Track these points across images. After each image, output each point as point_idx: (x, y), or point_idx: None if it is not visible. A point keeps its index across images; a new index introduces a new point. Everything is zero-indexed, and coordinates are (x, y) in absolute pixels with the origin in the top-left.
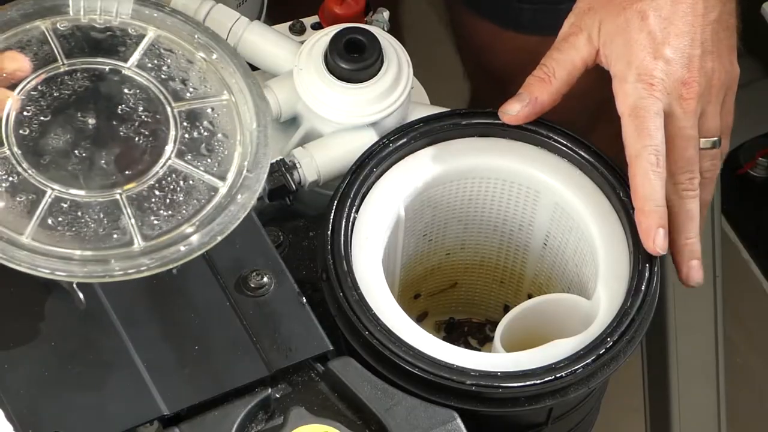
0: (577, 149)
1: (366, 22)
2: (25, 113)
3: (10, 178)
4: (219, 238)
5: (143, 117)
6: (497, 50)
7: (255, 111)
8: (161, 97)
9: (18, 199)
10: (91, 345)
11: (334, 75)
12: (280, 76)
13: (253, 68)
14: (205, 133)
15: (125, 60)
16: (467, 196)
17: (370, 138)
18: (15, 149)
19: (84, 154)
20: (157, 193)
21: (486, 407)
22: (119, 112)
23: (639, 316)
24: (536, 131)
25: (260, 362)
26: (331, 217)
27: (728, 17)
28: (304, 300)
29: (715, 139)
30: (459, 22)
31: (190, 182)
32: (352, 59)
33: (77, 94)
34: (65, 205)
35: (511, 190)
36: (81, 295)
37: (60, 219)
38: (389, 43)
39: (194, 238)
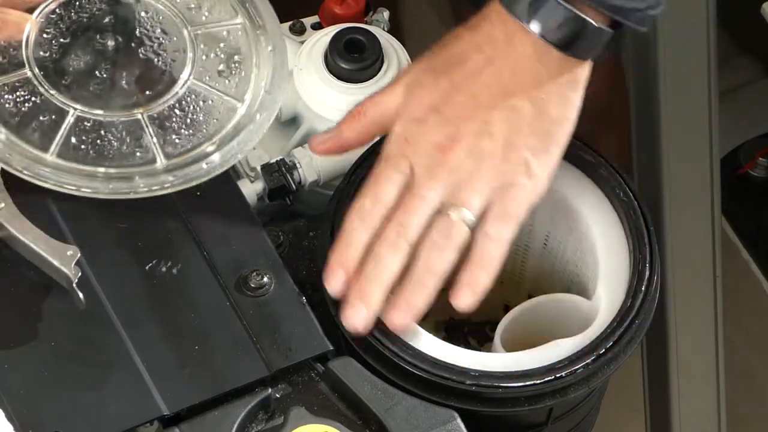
0: (577, 150)
1: (366, 22)
2: (44, 35)
3: (33, 99)
4: (239, 156)
5: (161, 39)
6: None
7: (271, 33)
8: (177, 20)
9: (41, 118)
10: (91, 345)
11: (334, 75)
12: None
13: None
14: (222, 55)
15: None
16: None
17: None
18: (36, 70)
19: (104, 75)
20: (177, 112)
21: (486, 407)
22: (137, 34)
23: (639, 316)
24: None
25: (260, 362)
26: (331, 217)
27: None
28: (304, 300)
29: (464, 211)
30: (461, 12)
31: (210, 102)
32: (352, 59)
33: (95, 17)
34: (88, 125)
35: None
36: (81, 295)
37: (83, 138)
38: (389, 43)
39: (215, 157)
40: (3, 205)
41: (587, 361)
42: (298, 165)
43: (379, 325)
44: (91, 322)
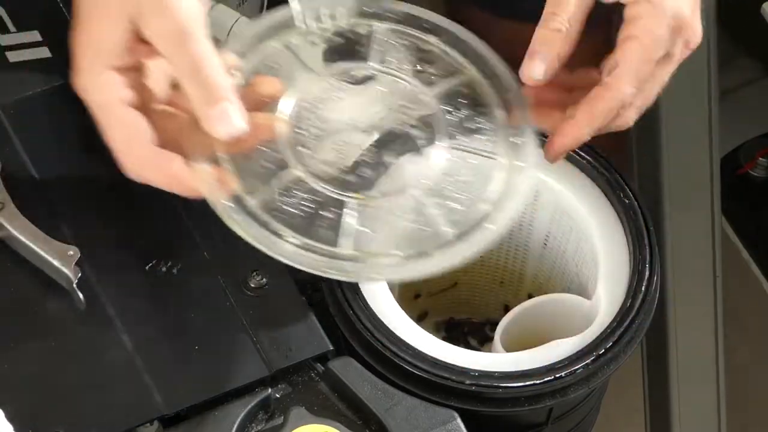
0: (577, 149)
1: None
2: (301, 131)
3: (311, 197)
4: (518, 209)
5: (409, 111)
6: (495, 40)
7: (503, 77)
8: (415, 89)
9: (324, 214)
10: (91, 345)
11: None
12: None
13: None
14: (465, 112)
15: (367, 59)
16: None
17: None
18: (302, 168)
19: (370, 158)
20: (447, 179)
21: (486, 407)
22: (388, 110)
23: (639, 316)
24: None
25: (260, 362)
26: None
27: None
28: (304, 300)
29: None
30: (458, 13)
31: (472, 161)
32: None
33: (342, 101)
34: (372, 210)
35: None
36: (81, 296)
37: (371, 224)
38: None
39: (498, 216)
40: (3, 205)
41: (587, 361)
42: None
43: (379, 324)
44: (91, 322)
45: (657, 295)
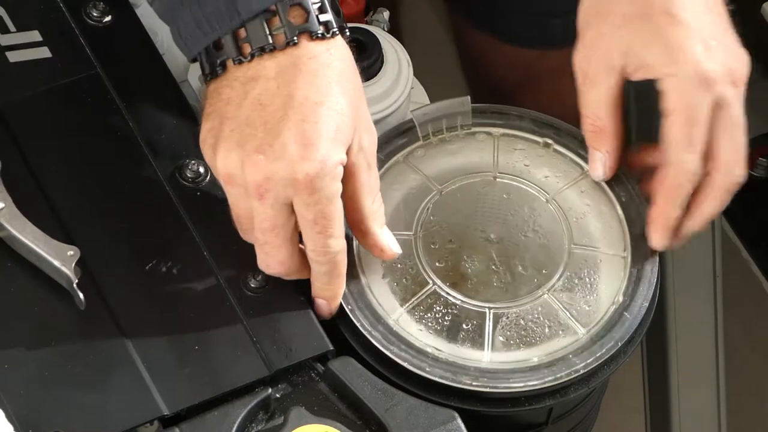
0: (577, 149)
1: (366, 22)
2: (432, 246)
3: (449, 310)
4: (646, 303)
5: (532, 215)
6: (495, 64)
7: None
8: (536, 192)
9: (464, 327)
10: (91, 345)
11: None
12: None
13: None
14: (590, 212)
15: (491, 167)
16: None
17: None
18: (439, 282)
19: (500, 267)
20: (576, 281)
21: (486, 407)
22: (510, 216)
23: (639, 316)
24: (538, 131)
25: (260, 362)
26: None
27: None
28: (304, 300)
29: None
30: (460, 35)
31: (598, 261)
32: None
33: (462, 212)
34: (508, 320)
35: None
36: (81, 296)
37: (509, 333)
38: (389, 43)
39: (627, 313)
40: (3, 205)
41: (587, 361)
42: None
43: (380, 324)
44: (91, 322)
45: (657, 295)
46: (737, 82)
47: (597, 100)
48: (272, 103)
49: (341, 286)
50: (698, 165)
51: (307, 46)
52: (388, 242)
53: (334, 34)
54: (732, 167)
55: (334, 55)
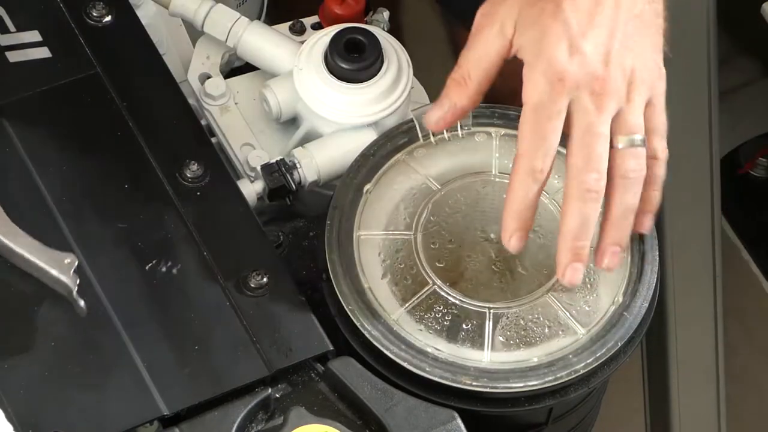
0: None
1: (366, 22)
2: (432, 246)
3: (449, 310)
4: (645, 304)
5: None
6: None
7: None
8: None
9: (464, 327)
10: (91, 345)
11: (334, 75)
12: (280, 76)
13: (253, 68)
14: None
15: (491, 167)
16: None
17: (370, 138)
18: (439, 282)
19: (500, 267)
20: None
21: (486, 407)
22: None
23: (639, 316)
24: None
25: (260, 362)
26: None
27: (654, 16)
28: (304, 300)
29: (636, 136)
30: (455, 35)
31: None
32: (352, 59)
33: (462, 212)
34: (508, 320)
35: None
36: (82, 303)
37: (509, 333)
38: (389, 43)
39: (627, 313)
40: None
41: (587, 361)
42: (298, 165)
43: (380, 324)
44: (91, 323)
45: (657, 295)
46: (601, 92)
47: (477, 59)
48: None
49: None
50: (542, 161)
51: None
52: None
53: None
54: (577, 173)
55: None
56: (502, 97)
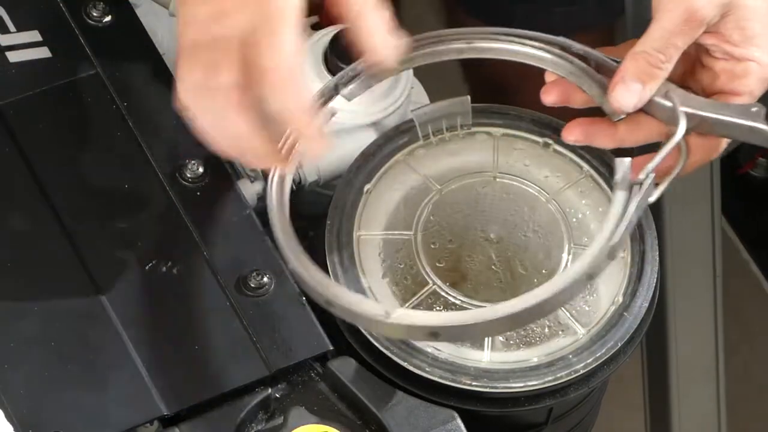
0: (578, 149)
1: None
2: (432, 246)
3: (449, 310)
4: (645, 304)
5: (532, 216)
6: None
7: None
8: (536, 193)
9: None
10: (91, 345)
11: (333, 75)
12: None
13: None
14: (588, 213)
15: (491, 167)
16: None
17: (370, 138)
18: (439, 282)
19: (500, 269)
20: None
21: (486, 407)
22: (510, 216)
23: (639, 316)
24: (538, 131)
25: (260, 362)
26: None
27: None
28: (304, 300)
29: None
30: (456, 24)
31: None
32: (352, 59)
33: (462, 212)
34: (508, 319)
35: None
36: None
37: (509, 333)
38: None
39: (627, 313)
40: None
41: (587, 361)
42: (298, 165)
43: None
44: (91, 322)
45: (657, 295)
46: None
47: (670, 33)
48: None
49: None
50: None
51: None
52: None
53: None
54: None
55: None
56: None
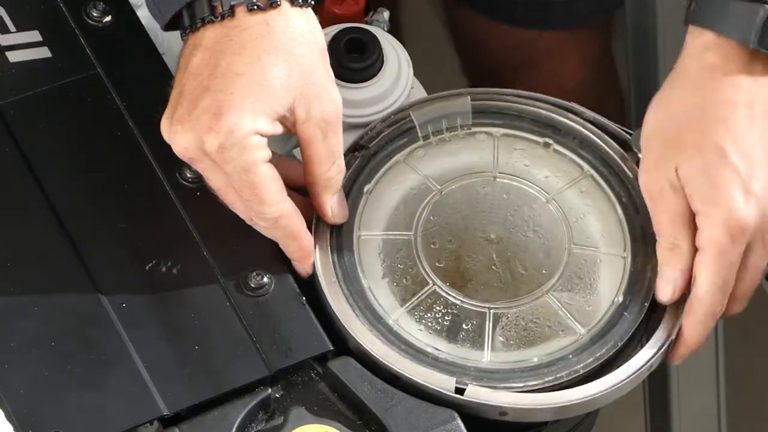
0: (578, 149)
1: (366, 22)
2: (432, 246)
3: (449, 310)
4: (647, 303)
5: (533, 216)
6: (492, 45)
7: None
8: (536, 193)
9: (464, 327)
10: (91, 345)
11: (333, 75)
12: None
13: None
14: (589, 212)
15: (491, 167)
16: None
17: None
18: (439, 281)
19: (500, 268)
20: (576, 281)
21: None
22: (510, 216)
23: (639, 317)
24: (538, 131)
25: (260, 362)
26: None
27: None
28: (304, 300)
29: None
30: (455, 17)
31: (597, 261)
32: (352, 59)
33: (462, 212)
34: (508, 320)
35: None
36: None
37: (509, 333)
38: (389, 43)
39: (627, 311)
40: None
41: (587, 361)
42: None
43: (380, 324)
44: (91, 322)
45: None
46: None
47: (671, 221)
48: (201, 73)
49: (303, 247)
50: (721, 304)
51: (242, 17)
52: (333, 210)
53: (274, 5)
54: (733, 304)
55: (274, 26)
56: (505, 70)
